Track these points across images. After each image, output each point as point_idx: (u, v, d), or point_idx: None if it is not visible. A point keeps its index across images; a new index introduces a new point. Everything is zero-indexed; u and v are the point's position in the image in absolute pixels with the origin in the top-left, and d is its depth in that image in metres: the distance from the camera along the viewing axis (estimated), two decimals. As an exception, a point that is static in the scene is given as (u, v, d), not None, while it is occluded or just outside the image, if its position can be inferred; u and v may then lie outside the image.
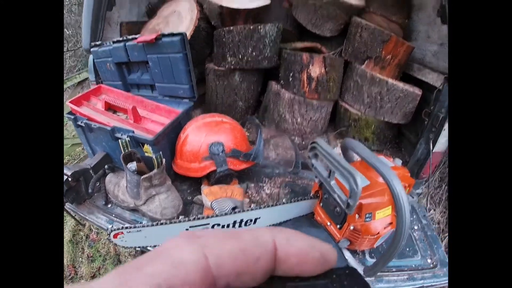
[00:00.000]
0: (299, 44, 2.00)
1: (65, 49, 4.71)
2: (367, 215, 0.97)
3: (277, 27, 1.80)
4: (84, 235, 2.23)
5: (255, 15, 1.84)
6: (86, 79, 3.08)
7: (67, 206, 1.34)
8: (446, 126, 1.44)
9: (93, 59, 1.78)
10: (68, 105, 1.55)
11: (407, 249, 1.21)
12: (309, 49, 1.99)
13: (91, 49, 1.73)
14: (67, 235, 2.22)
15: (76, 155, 3.28)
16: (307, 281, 0.20)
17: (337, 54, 1.97)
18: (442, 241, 1.99)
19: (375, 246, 1.05)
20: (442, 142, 1.49)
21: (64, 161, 3.03)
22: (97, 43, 1.72)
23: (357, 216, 0.98)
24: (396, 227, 0.81)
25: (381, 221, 0.99)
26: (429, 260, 1.19)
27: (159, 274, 0.16)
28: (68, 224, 2.30)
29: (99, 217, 1.30)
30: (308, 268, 0.20)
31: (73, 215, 1.41)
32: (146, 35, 1.51)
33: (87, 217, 1.31)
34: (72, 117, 1.49)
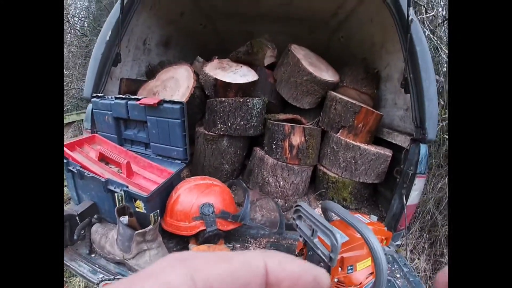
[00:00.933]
0: (282, 116, 2.23)
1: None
2: (349, 267, 1.05)
3: (263, 100, 2.05)
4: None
5: (245, 88, 2.09)
6: (75, 121, 3.10)
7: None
8: (416, 181, 1.60)
9: (92, 109, 1.87)
10: (60, 147, 1.60)
11: (391, 296, 1.26)
12: (291, 120, 2.22)
13: (92, 99, 1.83)
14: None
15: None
16: None
17: (315, 124, 2.22)
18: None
19: (359, 297, 1.10)
20: (414, 196, 1.64)
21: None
22: (99, 94, 1.83)
23: (340, 269, 1.06)
24: (375, 274, 0.89)
25: (362, 272, 1.06)
26: (414, 304, 1.23)
27: None
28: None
29: (81, 266, 1.27)
30: None
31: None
32: (149, 99, 1.67)
33: (68, 263, 1.27)
34: (65, 161, 1.52)
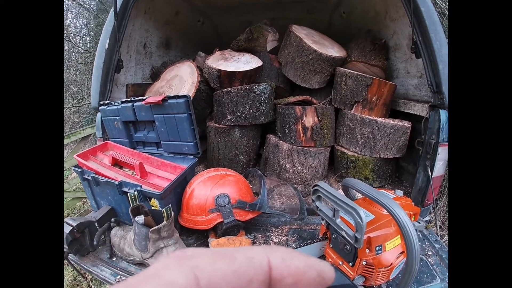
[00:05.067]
0: (292, 99, 2.16)
1: (70, 104, 4.99)
2: (377, 248, 0.97)
3: (270, 85, 1.98)
4: (82, 291, 2.14)
5: (250, 76, 2.03)
6: (90, 135, 3.20)
7: (70, 257, 1.32)
8: (440, 150, 1.50)
9: (101, 117, 1.89)
10: (75, 159, 1.61)
11: (425, 276, 1.18)
12: (301, 102, 2.14)
13: (100, 108, 1.85)
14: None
15: (76, 209, 3.27)
16: None
17: (327, 103, 2.13)
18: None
19: (391, 278, 1.02)
20: (439, 166, 1.54)
21: (64, 214, 3.00)
22: (106, 102, 1.84)
23: (367, 250, 0.98)
24: (407, 253, 0.82)
25: (392, 251, 0.98)
26: (449, 281, 1.16)
27: None
28: (66, 278, 2.22)
29: (103, 270, 1.27)
30: None
31: (76, 266, 1.38)
32: (154, 97, 1.64)
33: (90, 269, 1.28)
34: (79, 170, 1.54)
